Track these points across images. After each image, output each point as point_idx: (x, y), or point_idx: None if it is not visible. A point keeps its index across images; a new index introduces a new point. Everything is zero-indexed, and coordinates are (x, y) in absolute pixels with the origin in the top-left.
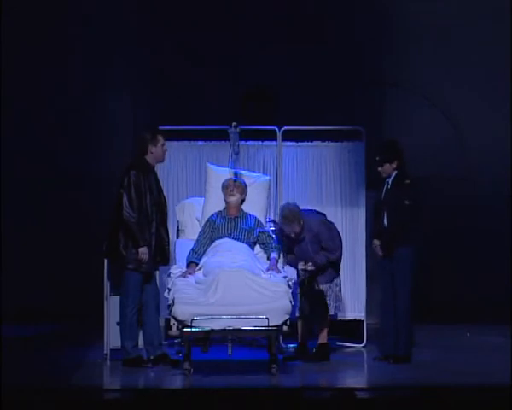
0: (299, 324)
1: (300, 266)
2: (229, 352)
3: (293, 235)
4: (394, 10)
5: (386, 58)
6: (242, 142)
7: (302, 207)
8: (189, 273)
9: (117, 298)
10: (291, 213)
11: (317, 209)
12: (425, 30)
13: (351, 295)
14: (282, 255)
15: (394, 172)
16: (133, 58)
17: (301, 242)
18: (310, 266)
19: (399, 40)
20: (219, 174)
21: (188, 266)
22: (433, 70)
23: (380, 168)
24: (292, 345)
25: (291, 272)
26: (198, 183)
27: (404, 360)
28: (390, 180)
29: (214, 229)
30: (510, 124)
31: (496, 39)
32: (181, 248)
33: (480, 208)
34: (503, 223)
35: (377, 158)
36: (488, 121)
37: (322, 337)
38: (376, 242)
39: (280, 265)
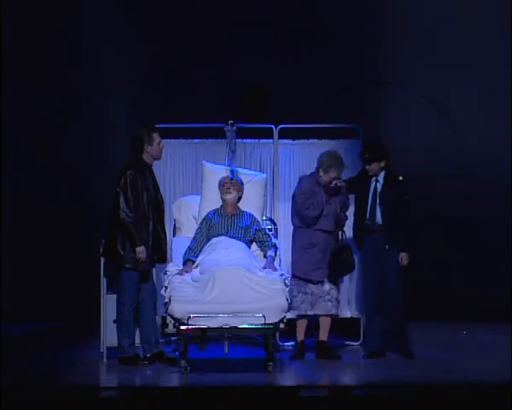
0: (300, 322)
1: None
2: (226, 350)
3: (333, 183)
4: (392, 8)
5: (383, 56)
6: (239, 140)
7: None
8: (186, 271)
9: (113, 296)
10: (340, 157)
11: None
12: (424, 28)
13: (347, 294)
14: (278, 253)
15: (383, 172)
16: (131, 57)
17: (336, 194)
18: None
19: (397, 38)
20: (216, 172)
21: (184, 263)
22: (431, 68)
23: (367, 166)
24: (288, 343)
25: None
26: (194, 181)
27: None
28: (380, 178)
29: (211, 227)
30: (510, 122)
31: (495, 38)
32: (177, 245)
33: (479, 207)
34: (503, 221)
35: (366, 156)
36: (487, 119)
37: (324, 335)
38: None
39: (276, 263)
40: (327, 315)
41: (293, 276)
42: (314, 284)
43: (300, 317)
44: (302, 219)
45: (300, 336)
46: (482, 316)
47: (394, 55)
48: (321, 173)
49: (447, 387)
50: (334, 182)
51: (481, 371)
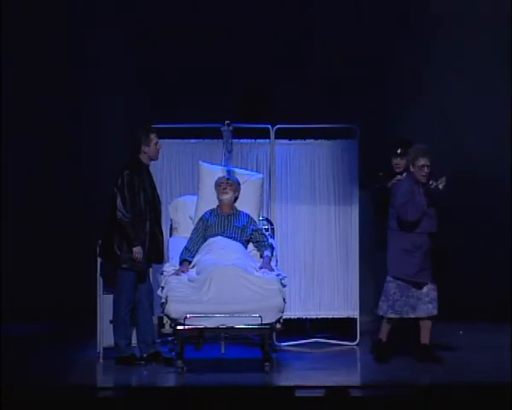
0: (385, 323)
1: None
2: (222, 350)
3: (433, 185)
4: (391, 8)
5: (382, 56)
6: (235, 140)
7: (295, 205)
8: (183, 271)
9: (110, 296)
10: (422, 145)
11: (310, 208)
12: (423, 28)
13: (343, 293)
14: (275, 253)
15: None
16: (129, 57)
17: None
18: (442, 183)
19: (397, 38)
20: (212, 172)
21: (181, 264)
22: (431, 68)
23: (398, 160)
24: (285, 344)
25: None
26: (191, 181)
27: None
28: None
29: (207, 227)
30: (510, 123)
31: (495, 37)
32: (174, 246)
33: (479, 208)
34: (503, 221)
35: (398, 151)
36: (487, 120)
37: (426, 338)
38: None
39: (273, 263)
40: (429, 318)
41: (395, 278)
42: (418, 287)
43: (401, 320)
44: (402, 224)
45: (384, 337)
46: (482, 316)
47: (394, 55)
48: (411, 168)
49: (447, 387)
50: (433, 184)
51: (481, 371)
